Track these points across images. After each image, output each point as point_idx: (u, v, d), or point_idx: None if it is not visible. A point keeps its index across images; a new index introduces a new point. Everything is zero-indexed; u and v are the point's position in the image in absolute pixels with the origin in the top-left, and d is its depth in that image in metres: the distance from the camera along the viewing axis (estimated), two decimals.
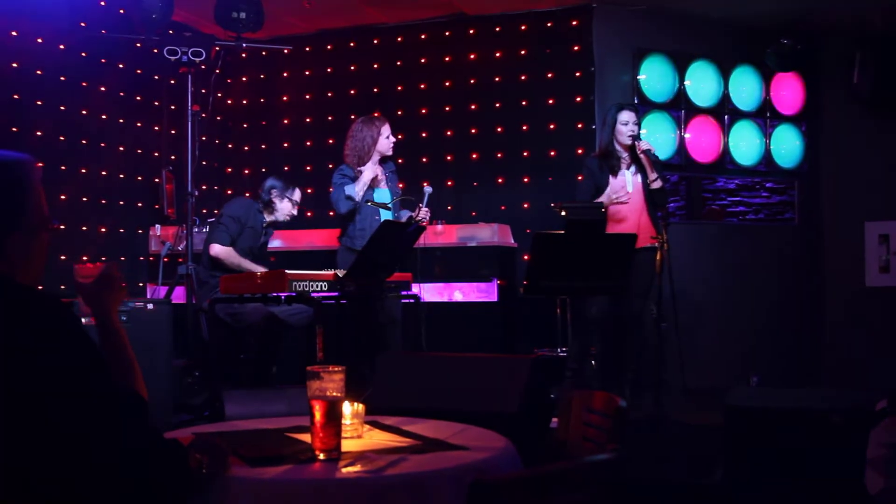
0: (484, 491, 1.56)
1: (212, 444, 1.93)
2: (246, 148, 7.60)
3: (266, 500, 1.82)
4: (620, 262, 4.64)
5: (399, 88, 7.42)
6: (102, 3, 6.45)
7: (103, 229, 6.59)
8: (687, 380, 5.53)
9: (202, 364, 5.26)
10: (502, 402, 3.22)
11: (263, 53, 7.51)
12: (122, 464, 1.60)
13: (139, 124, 6.94)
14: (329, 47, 7.64)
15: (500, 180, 7.12)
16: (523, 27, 7.12)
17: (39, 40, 6.00)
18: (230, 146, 7.64)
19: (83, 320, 1.78)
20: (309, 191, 7.58)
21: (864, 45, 6.88)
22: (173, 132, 6.90)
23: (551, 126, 7.00)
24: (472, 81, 7.24)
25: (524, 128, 7.08)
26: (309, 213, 7.51)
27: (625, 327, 5.43)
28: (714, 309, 6.69)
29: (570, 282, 4.62)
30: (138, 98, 6.93)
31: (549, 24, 7.03)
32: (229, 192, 7.63)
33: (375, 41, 7.51)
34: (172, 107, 6.99)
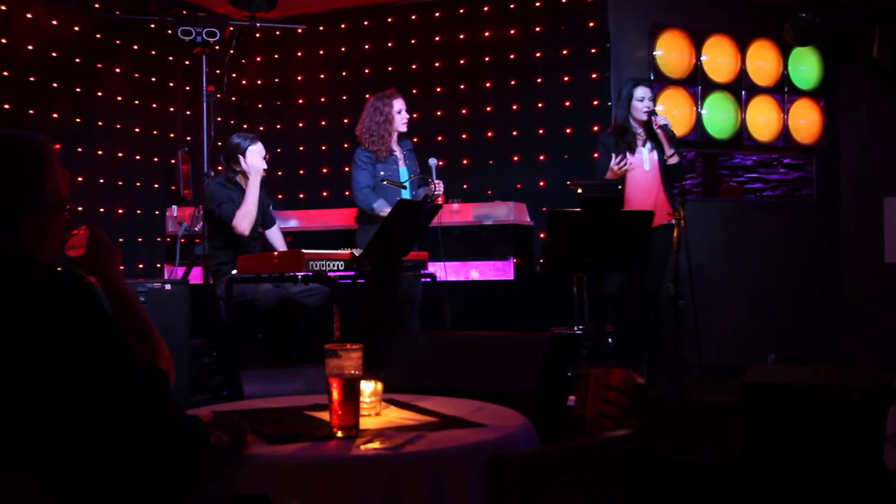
0: (502, 467, 1.57)
1: (231, 421, 1.95)
2: (261, 128, 7.60)
3: (285, 477, 1.83)
4: (637, 239, 4.62)
5: (413, 67, 7.40)
6: None
7: (120, 211, 6.62)
8: (704, 358, 5.52)
9: (220, 344, 5.29)
10: (519, 380, 3.23)
11: (277, 33, 7.50)
12: (142, 440, 1.61)
13: (154, 105, 6.95)
14: (343, 26, 7.62)
15: (515, 158, 7.10)
16: (538, 4, 7.08)
17: (54, 22, 6.01)
18: (245, 126, 7.63)
19: None
20: (324, 171, 7.59)
21: (883, 19, 6.80)
22: (188, 113, 6.90)
23: (567, 103, 6.96)
24: (486, 59, 7.21)
25: (539, 105, 7.05)
26: (325, 193, 7.52)
27: (642, 305, 5.42)
28: (731, 286, 6.67)
29: (586, 259, 4.62)
30: (153, 79, 6.94)
31: (563, 1, 6.99)
32: None
33: (390, 20, 7.49)
34: (187, 87, 6.99)
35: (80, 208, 6.10)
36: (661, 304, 5.47)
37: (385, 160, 5.49)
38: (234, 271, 4.91)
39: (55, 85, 6.05)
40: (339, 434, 2.05)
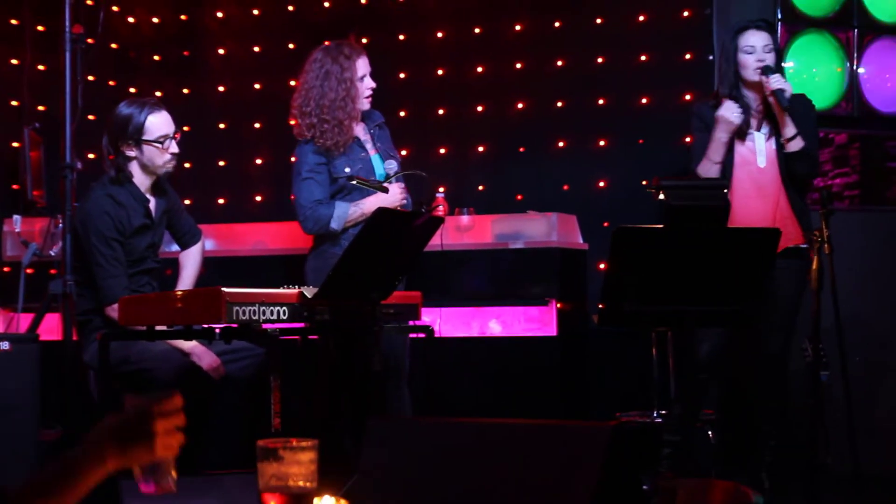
0: None
1: None
2: (158, 93, 7.64)
3: None
4: (754, 273, 4.64)
5: None
6: None
7: None
8: (861, 461, 5.51)
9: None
10: (566, 496, 3.24)
11: None
12: None
13: None
14: None
15: (560, 144, 7.12)
16: None
17: None
18: (133, 90, 7.68)
19: None
20: (258, 161, 7.61)
21: None
22: (42, 68, 6.93)
23: (643, 57, 6.99)
24: None
25: (599, 60, 7.08)
26: (258, 197, 7.53)
27: (759, 377, 5.44)
28: None
29: (673, 304, 4.63)
30: None
31: None
32: None
33: None
34: (40, 27, 7.03)
35: None
36: (790, 377, 5.48)
37: (345, 151, 5.45)
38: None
39: None
40: None
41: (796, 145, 5.40)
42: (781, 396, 5.47)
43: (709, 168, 5.44)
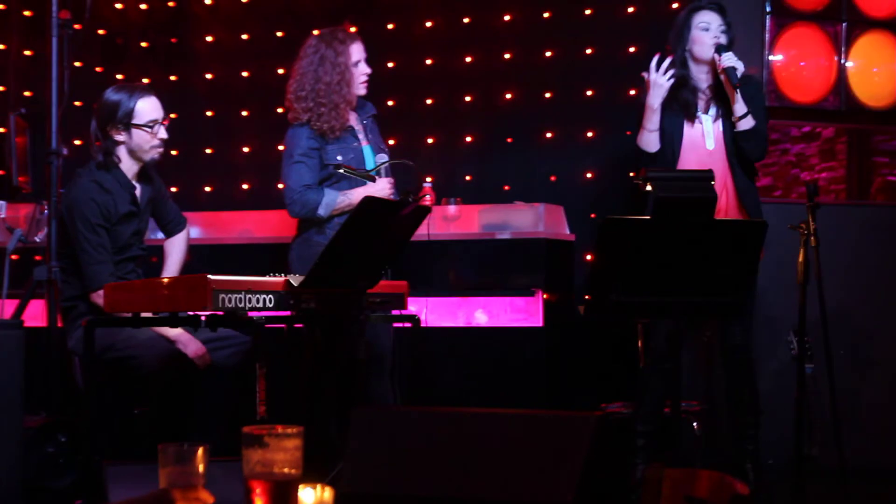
0: None
1: None
2: (145, 80, 7.61)
3: None
4: (741, 264, 4.64)
5: None
6: None
7: None
8: (846, 453, 5.52)
9: (72, 423, 5.28)
10: (550, 488, 3.24)
11: None
12: None
13: None
14: None
15: (548, 135, 7.11)
16: None
17: None
18: (120, 77, 7.66)
19: None
20: (245, 149, 7.59)
21: None
22: (28, 54, 6.90)
23: (631, 49, 6.99)
24: None
25: (588, 51, 7.07)
26: (245, 185, 7.51)
27: (727, 369, 5.45)
28: (889, 342, 6.67)
29: (658, 296, 4.62)
30: None
31: None
32: None
33: None
34: (27, 13, 7.00)
35: None
36: (754, 370, 5.50)
37: (339, 138, 5.46)
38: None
39: None
40: None
41: (747, 124, 5.44)
42: (751, 387, 5.49)
43: (646, 138, 5.51)
